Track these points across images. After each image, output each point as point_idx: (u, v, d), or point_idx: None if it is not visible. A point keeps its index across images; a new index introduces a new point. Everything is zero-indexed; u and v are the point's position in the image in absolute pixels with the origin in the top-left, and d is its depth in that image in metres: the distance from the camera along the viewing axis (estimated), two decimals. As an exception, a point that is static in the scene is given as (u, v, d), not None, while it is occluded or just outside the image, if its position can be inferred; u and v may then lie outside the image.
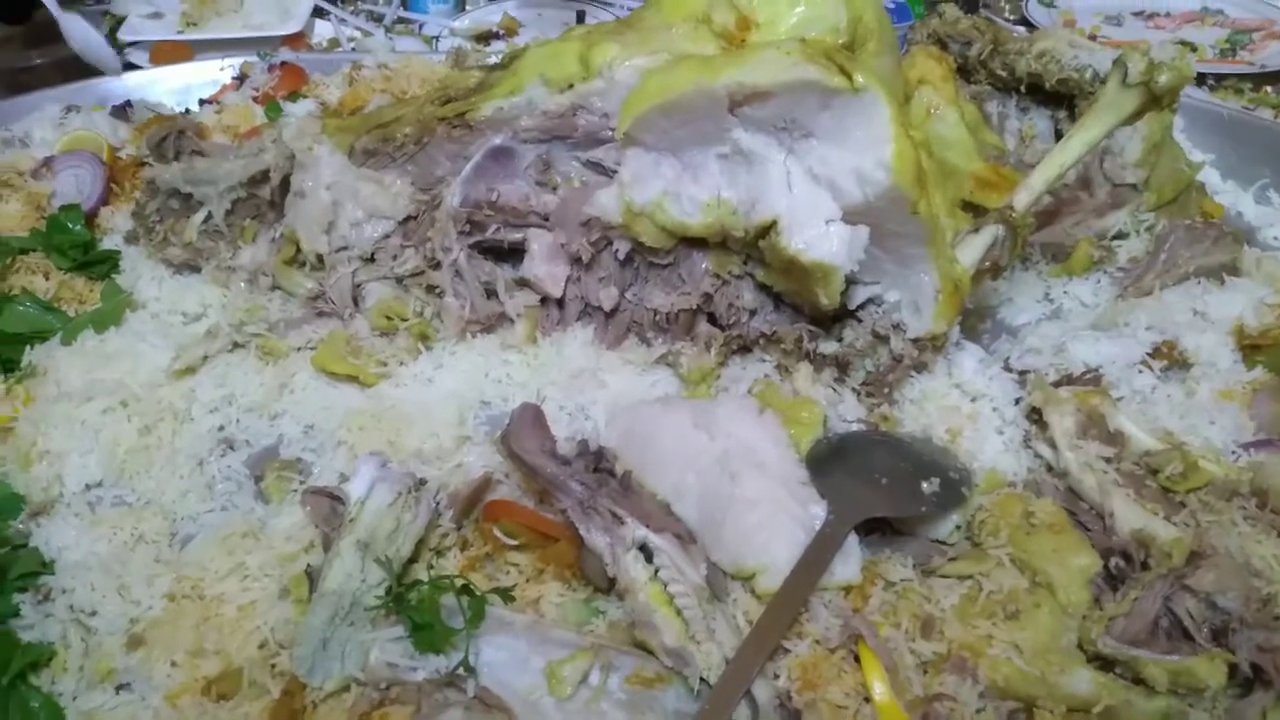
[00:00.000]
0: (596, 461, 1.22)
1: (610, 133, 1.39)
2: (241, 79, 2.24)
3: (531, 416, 1.25)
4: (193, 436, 1.41)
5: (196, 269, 1.70)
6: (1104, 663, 1.08)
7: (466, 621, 1.06)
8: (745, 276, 1.44)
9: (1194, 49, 2.46)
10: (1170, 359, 1.47)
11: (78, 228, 1.75)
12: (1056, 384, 1.41)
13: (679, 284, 1.47)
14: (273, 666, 1.10)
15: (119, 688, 1.10)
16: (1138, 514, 1.20)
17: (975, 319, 1.63)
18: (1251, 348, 1.49)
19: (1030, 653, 1.07)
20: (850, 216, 1.26)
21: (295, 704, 1.06)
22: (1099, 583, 1.16)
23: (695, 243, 1.42)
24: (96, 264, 1.73)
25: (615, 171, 1.40)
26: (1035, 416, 1.37)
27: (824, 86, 1.18)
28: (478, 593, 1.10)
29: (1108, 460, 1.28)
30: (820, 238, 1.26)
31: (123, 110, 2.18)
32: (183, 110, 2.19)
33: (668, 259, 1.45)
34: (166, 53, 2.52)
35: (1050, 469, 1.33)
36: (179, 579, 1.19)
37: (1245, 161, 1.98)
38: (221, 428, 1.44)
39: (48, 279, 1.70)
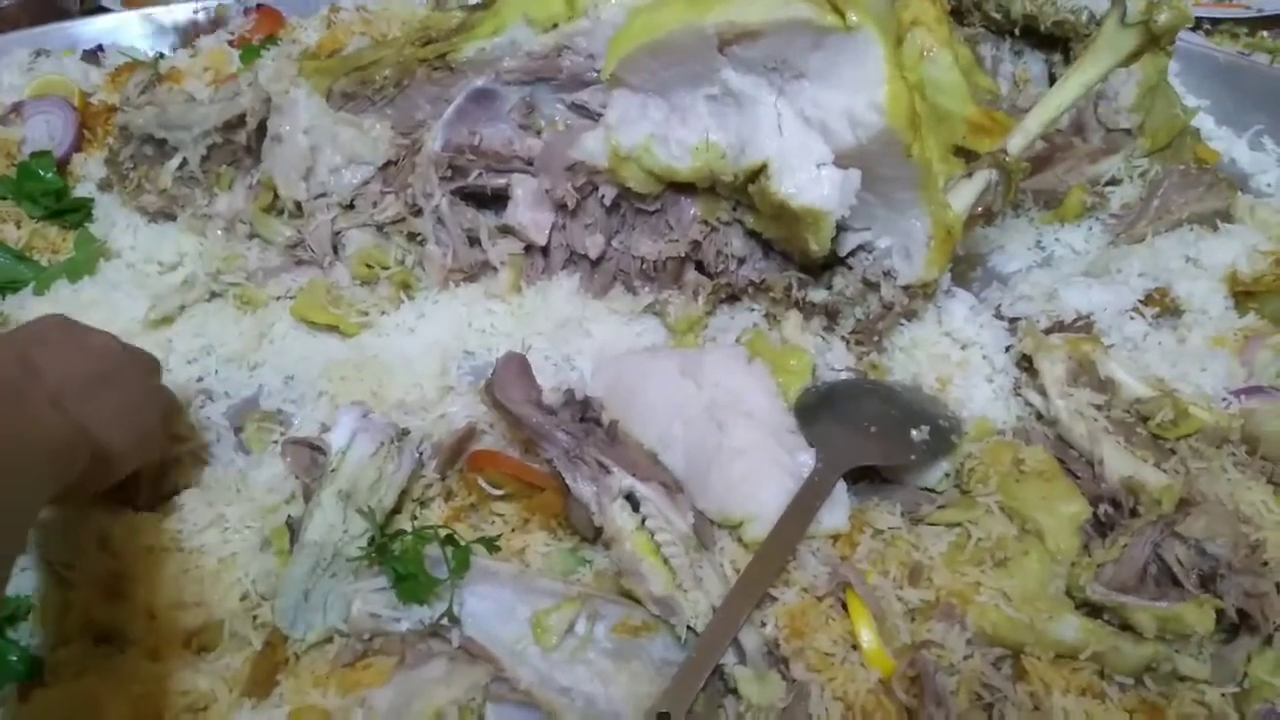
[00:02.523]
0: (583, 411, 1.20)
1: (596, 74, 1.35)
2: (215, 23, 2.18)
3: (516, 366, 1.22)
4: (171, 388, 1.38)
5: (172, 217, 1.66)
6: (1092, 609, 1.08)
7: (451, 571, 1.05)
8: (734, 223, 1.41)
9: (1190, -9, 2.41)
10: (1162, 306, 1.46)
11: (49, 175, 1.71)
12: (1047, 331, 1.40)
13: (666, 231, 1.44)
14: (254, 618, 1.09)
15: (98, 640, 1.09)
16: (1127, 461, 1.19)
17: (965, 266, 1.61)
18: (1244, 294, 1.48)
19: (1018, 600, 1.07)
20: (842, 160, 1.23)
21: (277, 656, 1.05)
22: (1088, 530, 1.16)
23: (683, 188, 1.39)
24: (69, 212, 1.69)
25: (601, 114, 1.37)
26: (1025, 364, 1.36)
27: (816, 25, 1.14)
28: (462, 543, 1.09)
29: (1098, 407, 1.27)
30: (811, 182, 1.23)
31: (94, 54, 2.12)
32: (156, 55, 2.12)
33: (655, 205, 1.42)
34: (139, -4, 2.44)
35: (1040, 417, 1.32)
36: (158, 531, 1.17)
37: (1240, 107, 1.96)
38: (200, 379, 1.42)
39: (19, 227, 1.66)
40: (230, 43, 2.07)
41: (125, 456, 1.08)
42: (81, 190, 1.75)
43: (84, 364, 1.05)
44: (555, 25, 1.36)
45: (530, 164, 1.45)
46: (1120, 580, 1.08)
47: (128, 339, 1.42)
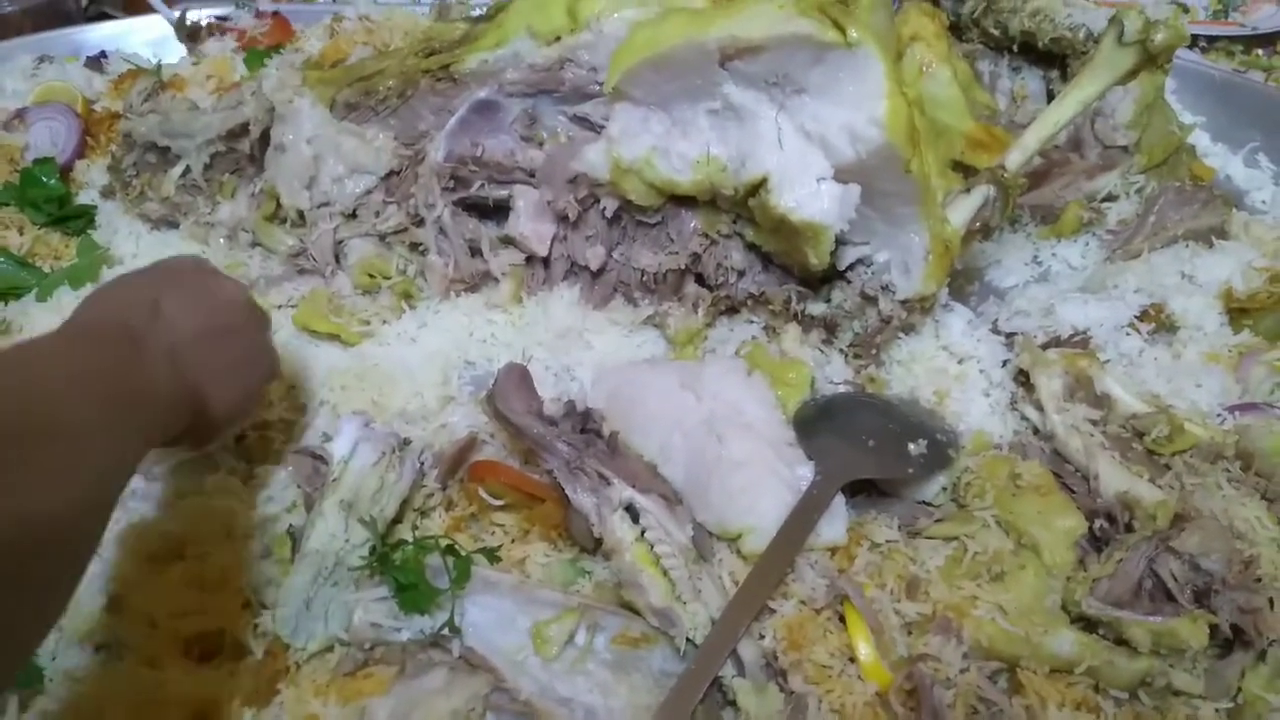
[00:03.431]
0: (583, 422, 1.20)
1: (598, 87, 1.36)
2: (217, 28, 2.18)
3: (518, 376, 1.23)
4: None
5: (174, 225, 1.67)
6: (1087, 623, 1.09)
7: (452, 582, 1.06)
8: (734, 236, 1.42)
9: (1186, 9, 2.43)
10: (1158, 322, 1.47)
11: (52, 181, 1.71)
12: (1044, 346, 1.40)
13: (667, 243, 1.45)
14: (255, 627, 1.10)
15: (99, 648, 1.09)
16: (1123, 476, 1.20)
17: (963, 281, 1.62)
18: (1239, 311, 1.49)
19: (1014, 613, 1.08)
20: (841, 175, 1.24)
21: (278, 665, 1.06)
22: (1083, 544, 1.16)
23: (684, 201, 1.40)
24: (72, 219, 1.69)
25: (603, 127, 1.38)
26: (1022, 379, 1.37)
27: (817, 41, 1.16)
28: (463, 553, 1.09)
29: (1094, 423, 1.28)
30: (811, 196, 1.24)
31: (97, 61, 2.13)
32: (159, 61, 2.13)
33: (656, 218, 1.43)
34: (143, 2, 2.45)
35: (1036, 431, 1.33)
36: (159, 538, 1.18)
37: (1235, 124, 1.97)
38: (201, 386, 1.42)
39: (21, 234, 1.66)
40: (237, 45, 2.08)
41: (228, 418, 1.07)
42: (84, 197, 1.76)
43: (208, 318, 1.03)
44: (558, 38, 1.37)
45: (532, 175, 1.46)
46: (1115, 595, 1.09)
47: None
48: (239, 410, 1.10)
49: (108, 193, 1.73)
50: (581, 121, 1.42)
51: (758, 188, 1.28)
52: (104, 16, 2.34)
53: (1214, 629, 1.05)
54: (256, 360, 1.13)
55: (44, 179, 1.71)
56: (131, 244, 1.65)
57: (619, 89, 1.31)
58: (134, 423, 0.86)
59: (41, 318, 1.48)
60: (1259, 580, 1.07)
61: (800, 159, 1.26)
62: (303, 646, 1.06)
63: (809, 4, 1.17)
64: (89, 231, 1.69)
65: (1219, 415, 1.31)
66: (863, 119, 1.20)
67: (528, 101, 1.43)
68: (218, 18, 2.25)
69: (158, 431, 0.92)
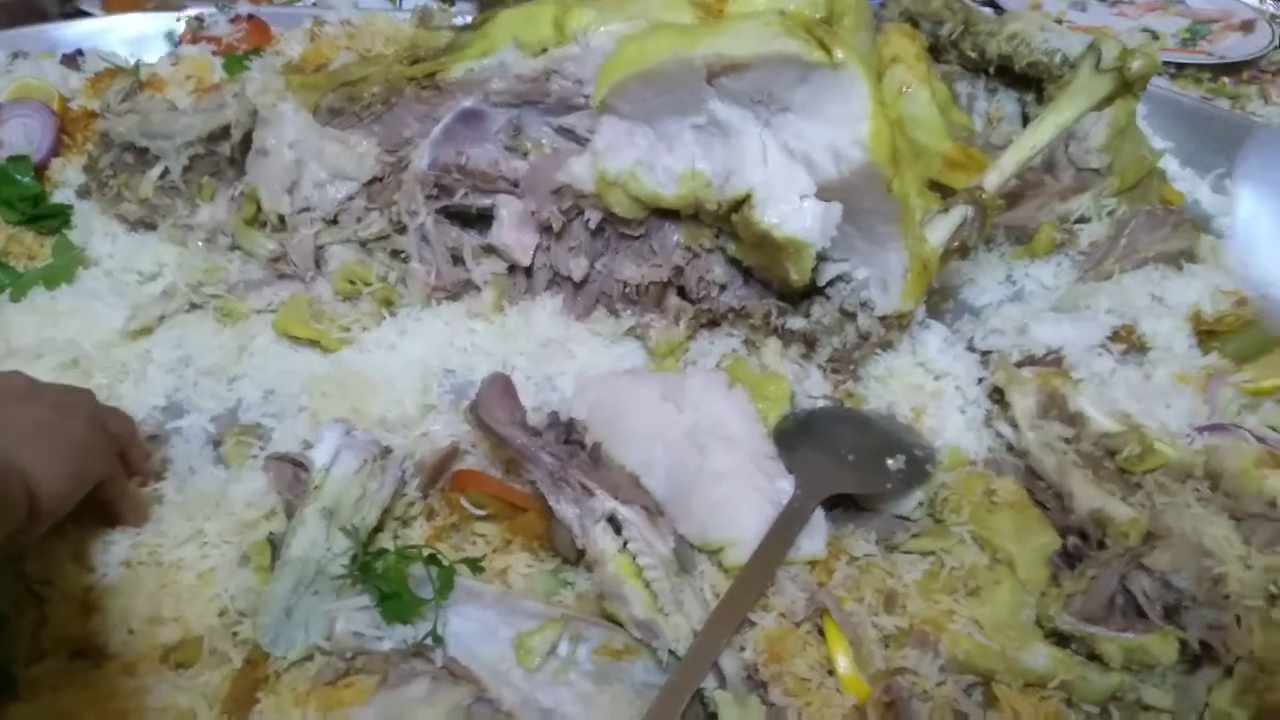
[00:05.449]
0: (567, 433, 1.21)
1: (584, 99, 1.37)
2: (194, 37, 2.17)
3: (501, 386, 1.23)
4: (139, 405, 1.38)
5: (152, 226, 1.65)
6: (1060, 639, 1.11)
7: (435, 592, 1.06)
8: (716, 250, 1.44)
9: (1156, 37, 2.49)
10: (1129, 343, 1.49)
11: (27, 180, 1.69)
12: (1019, 365, 1.43)
13: (650, 256, 1.46)
14: (234, 635, 1.09)
15: (74, 655, 1.07)
16: (1096, 494, 1.22)
17: (939, 299, 1.64)
18: (1207, 333, 1.52)
19: (990, 628, 1.09)
20: (824, 192, 1.26)
21: (258, 673, 1.05)
22: (1057, 561, 1.18)
23: (667, 214, 1.41)
24: (47, 218, 1.67)
25: (588, 139, 1.38)
26: (997, 396, 1.39)
27: (803, 60, 1.17)
28: (446, 563, 1.09)
29: (1067, 441, 1.30)
30: (794, 213, 1.26)
31: (74, 59, 2.10)
32: (137, 61, 2.11)
33: (639, 230, 1.44)
34: (120, 1, 2.43)
35: (1011, 448, 1.34)
36: (135, 545, 1.17)
37: (1203, 150, 2.01)
38: (178, 390, 1.41)
39: (-6, 232, 1.64)
40: (215, 51, 2.06)
41: (64, 478, 1.04)
42: (60, 196, 1.73)
43: None
44: (544, 49, 1.38)
45: (516, 185, 1.47)
46: (1088, 611, 1.11)
47: (106, 349, 1.44)
48: (73, 467, 1.06)
49: (84, 193, 1.71)
50: (566, 133, 1.43)
51: (741, 203, 1.29)
52: (81, 15, 2.31)
53: (1183, 645, 1.07)
54: (68, 413, 1.10)
55: (18, 177, 1.69)
56: (107, 244, 1.63)
57: (606, 102, 1.32)
58: None
59: (16, 318, 1.47)
60: (1227, 598, 1.09)
61: (784, 176, 1.27)
62: (283, 655, 1.05)
63: (795, 24, 1.19)
64: (64, 231, 1.66)
65: (1188, 435, 1.33)
66: (846, 138, 1.22)
67: (513, 112, 1.44)
68: (194, 18, 2.23)
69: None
